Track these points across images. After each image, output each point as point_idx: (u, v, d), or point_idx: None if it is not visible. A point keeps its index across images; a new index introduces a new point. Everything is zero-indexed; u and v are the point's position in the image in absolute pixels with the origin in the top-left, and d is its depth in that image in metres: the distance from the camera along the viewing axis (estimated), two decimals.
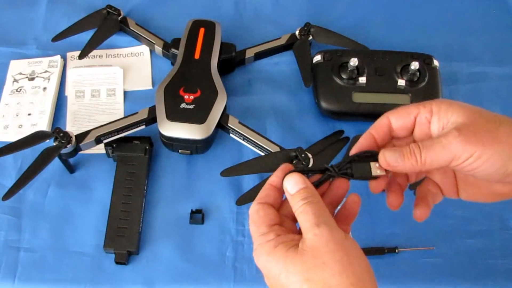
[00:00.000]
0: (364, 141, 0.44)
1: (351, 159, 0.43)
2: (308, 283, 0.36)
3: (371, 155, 0.43)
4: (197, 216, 0.67)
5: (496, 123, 0.39)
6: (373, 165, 0.42)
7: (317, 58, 0.77)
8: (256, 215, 0.41)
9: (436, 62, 0.77)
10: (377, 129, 0.44)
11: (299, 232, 0.41)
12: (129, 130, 0.69)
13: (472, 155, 0.38)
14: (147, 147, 0.69)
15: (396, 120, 0.43)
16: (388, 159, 0.41)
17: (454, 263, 0.66)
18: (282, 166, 0.43)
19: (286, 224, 0.42)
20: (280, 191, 0.43)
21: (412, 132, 0.44)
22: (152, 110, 0.69)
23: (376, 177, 0.43)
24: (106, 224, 0.65)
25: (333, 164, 0.43)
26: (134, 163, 0.69)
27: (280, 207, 0.43)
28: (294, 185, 0.41)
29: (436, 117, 0.41)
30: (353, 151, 0.44)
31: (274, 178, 0.43)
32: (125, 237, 0.64)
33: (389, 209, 0.69)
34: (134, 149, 0.69)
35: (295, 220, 0.42)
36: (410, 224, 0.68)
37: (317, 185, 0.43)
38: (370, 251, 0.65)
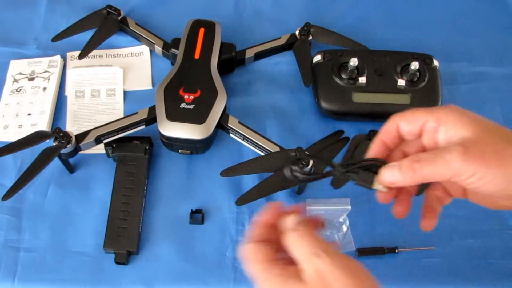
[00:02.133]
0: (376, 147, 0.44)
1: (361, 164, 0.42)
2: None
3: (381, 165, 0.42)
4: (197, 216, 0.67)
5: (505, 142, 0.38)
6: (377, 178, 0.41)
7: (317, 58, 0.77)
8: (249, 250, 0.41)
9: (436, 62, 0.77)
10: (386, 134, 0.44)
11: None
12: (129, 130, 0.69)
13: (474, 175, 0.37)
14: (147, 147, 0.69)
15: (404, 125, 0.43)
16: (386, 179, 0.40)
17: (454, 263, 0.66)
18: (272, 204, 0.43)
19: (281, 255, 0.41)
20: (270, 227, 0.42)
21: (420, 136, 0.43)
22: (152, 110, 0.69)
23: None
24: (106, 224, 0.65)
25: (339, 161, 0.43)
26: (134, 163, 0.69)
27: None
28: (291, 221, 0.40)
29: (443, 128, 0.40)
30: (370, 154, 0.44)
31: (266, 216, 0.42)
32: (125, 237, 0.64)
33: (389, 209, 0.69)
34: (134, 149, 0.69)
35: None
36: (410, 224, 0.68)
37: (319, 178, 0.42)
38: (370, 251, 0.66)
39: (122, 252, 0.63)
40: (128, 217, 0.65)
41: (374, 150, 0.44)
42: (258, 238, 0.41)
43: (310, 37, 0.81)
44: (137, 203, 0.66)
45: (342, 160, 0.72)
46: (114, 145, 0.69)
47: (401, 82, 0.74)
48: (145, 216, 0.67)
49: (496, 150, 0.38)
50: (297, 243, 0.39)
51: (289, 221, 0.40)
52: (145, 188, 0.68)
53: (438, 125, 0.40)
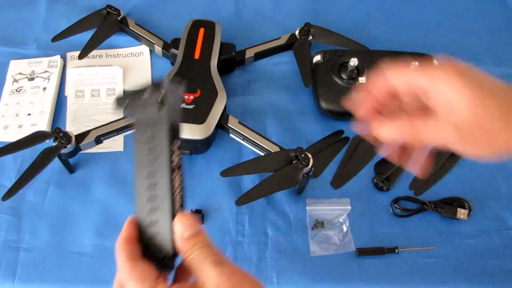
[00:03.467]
0: (368, 104, 0.43)
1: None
2: None
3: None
4: (197, 216, 0.67)
5: (502, 120, 0.37)
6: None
7: (317, 58, 0.77)
8: (134, 274, 0.38)
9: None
10: (377, 90, 0.43)
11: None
12: (129, 130, 0.69)
13: (465, 150, 0.38)
14: None
15: (395, 82, 0.42)
16: (383, 134, 0.41)
17: (454, 263, 0.65)
18: (129, 219, 0.39)
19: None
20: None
21: (411, 93, 0.42)
22: None
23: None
24: None
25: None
26: None
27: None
28: (188, 228, 0.37)
29: (436, 93, 0.39)
30: (359, 110, 0.44)
31: (128, 232, 0.39)
32: None
33: (389, 209, 0.69)
34: None
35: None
36: (410, 224, 0.68)
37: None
38: (370, 251, 0.65)
39: None
40: None
41: (366, 107, 0.43)
42: (131, 246, 0.39)
43: (310, 37, 0.81)
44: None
45: (341, 161, 0.72)
46: None
47: None
48: None
49: (490, 133, 0.37)
50: (199, 259, 0.36)
51: (202, 236, 0.37)
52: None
53: (432, 88, 0.39)
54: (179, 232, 0.37)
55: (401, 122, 0.41)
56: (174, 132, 0.37)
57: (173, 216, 0.37)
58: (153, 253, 0.38)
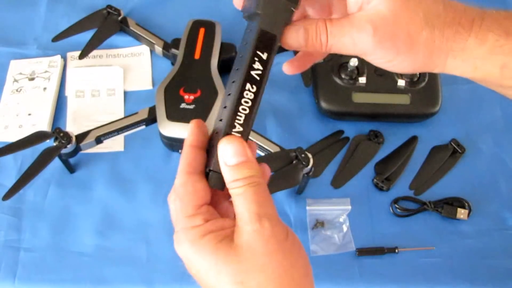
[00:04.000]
0: None
1: None
2: (242, 286, 0.31)
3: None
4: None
5: (423, 22, 0.33)
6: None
7: None
8: (183, 189, 0.34)
9: None
10: None
11: (231, 216, 0.35)
12: (129, 130, 0.69)
13: (382, 59, 0.35)
14: None
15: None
16: (288, 40, 0.35)
17: (454, 263, 0.66)
18: (195, 122, 0.36)
19: (216, 201, 0.36)
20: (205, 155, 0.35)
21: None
22: (152, 110, 0.69)
23: None
24: None
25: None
26: None
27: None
28: (233, 154, 0.33)
29: None
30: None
31: (193, 138, 0.35)
32: None
33: (389, 209, 0.69)
34: None
35: (228, 195, 0.35)
36: (410, 224, 0.68)
37: None
38: (370, 251, 0.66)
39: None
40: None
41: None
42: (193, 168, 0.34)
43: None
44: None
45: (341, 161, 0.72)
46: None
47: (401, 82, 0.74)
48: (145, 216, 0.67)
49: (409, 33, 0.33)
50: (247, 199, 0.32)
51: (244, 171, 0.33)
52: None
53: None
54: (222, 156, 0.33)
55: (308, 24, 0.35)
56: (265, 41, 0.34)
57: (225, 134, 0.34)
58: (206, 167, 0.35)
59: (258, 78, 0.35)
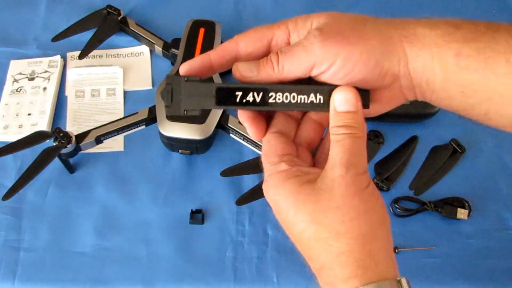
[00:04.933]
0: (198, 63, 0.36)
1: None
2: (316, 225, 0.33)
3: None
4: (197, 216, 0.67)
5: (362, 21, 0.35)
6: None
7: None
8: (267, 144, 0.37)
9: None
10: (219, 54, 0.36)
11: (313, 165, 0.37)
12: (129, 130, 0.69)
13: (339, 56, 0.33)
14: None
15: (245, 46, 0.36)
16: (241, 69, 0.35)
17: (454, 263, 0.66)
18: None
19: (300, 154, 0.37)
20: (295, 119, 0.38)
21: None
22: (152, 110, 0.69)
23: None
24: None
25: None
26: None
27: (295, 136, 0.38)
28: (344, 101, 0.34)
29: (295, 34, 0.36)
30: (181, 70, 0.36)
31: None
32: None
33: (389, 209, 0.69)
34: None
35: (310, 149, 0.38)
36: (410, 224, 0.68)
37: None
38: None
39: None
40: None
41: (192, 67, 0.36)
42: (276, 128, 0.37)
43: None
44: None
45: None
46: None
47: None
48: (145, 216, 0.67)
49: (354, 27, 0.35)
50: (344, 147, 0.33)
51: (350, 121, 0.34)
52: None
53: (288, 35, 0.36)
54: (335, 100, 0.34)
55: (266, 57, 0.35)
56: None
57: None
58: None
59: None
